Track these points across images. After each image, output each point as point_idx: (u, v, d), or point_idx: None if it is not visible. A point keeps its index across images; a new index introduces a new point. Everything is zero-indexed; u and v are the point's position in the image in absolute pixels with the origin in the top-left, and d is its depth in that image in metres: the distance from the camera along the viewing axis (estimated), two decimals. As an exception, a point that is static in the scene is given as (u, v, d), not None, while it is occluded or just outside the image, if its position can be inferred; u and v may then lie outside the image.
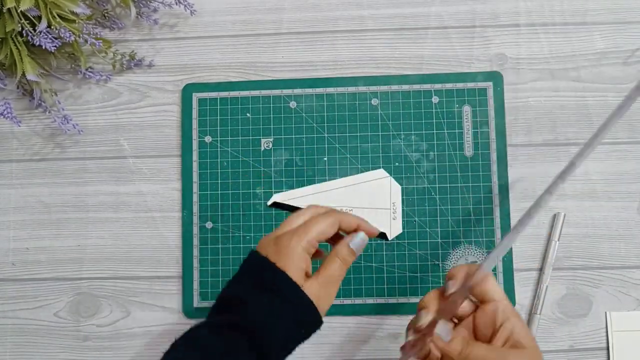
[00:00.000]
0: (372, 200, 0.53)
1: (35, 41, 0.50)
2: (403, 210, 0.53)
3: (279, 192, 0.54)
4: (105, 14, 0.56)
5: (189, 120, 0.55)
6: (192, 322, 0.53)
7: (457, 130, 0.54)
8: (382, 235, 0.53)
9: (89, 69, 0.55)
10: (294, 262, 0.37)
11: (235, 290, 0.38)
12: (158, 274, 0.54)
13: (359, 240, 0.40)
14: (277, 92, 0.55)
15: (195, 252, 0.54)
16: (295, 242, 0.37)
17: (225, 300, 0.38)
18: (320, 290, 0.38)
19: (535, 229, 0.53)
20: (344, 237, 0.40)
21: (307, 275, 0.38)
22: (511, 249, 0.53)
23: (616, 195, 0.54)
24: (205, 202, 0.54)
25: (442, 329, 0.36)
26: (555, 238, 0.52)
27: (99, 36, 0.54)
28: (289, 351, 0.37)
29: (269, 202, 0.54)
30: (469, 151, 0.54)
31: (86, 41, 0.52)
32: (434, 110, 0.54)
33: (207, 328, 0.37)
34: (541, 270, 0.52)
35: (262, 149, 0.55)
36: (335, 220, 0.39)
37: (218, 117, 0.55)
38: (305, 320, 0.37)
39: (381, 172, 0.54)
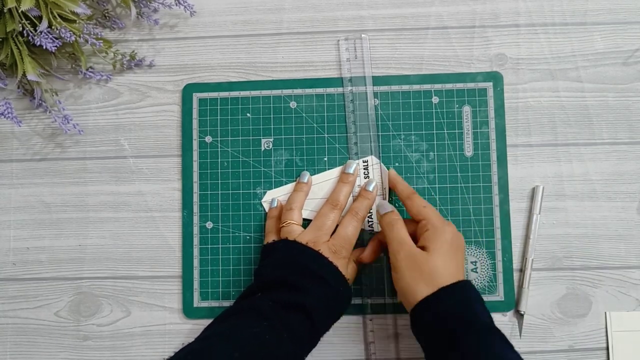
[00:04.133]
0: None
1: (35, 41, 0.50)
2: (403, 210, 0.53)
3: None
4: (106, 14, 0.56)
5: (189, 120, 0.55)
6: (192, 322, 0.53)
7: (457, 130, 0.54)
8: None
9: (90, 69, 0.56)
10: (346, 267, 0.48)
11: (296, 278, 0.45)
12: (158, 273, 0.54)
13: (369, 253, 0.51)
14: (277, 92, 0.55)
15: (195, 252, 0.54)
16: (348, 252, 0.48)
17: (279, 282, 0.45)
18: (353, 275, 0.50)
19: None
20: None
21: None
22: (511, 249, 0.53)
23: (616, 196, 0.54)
24: (205, 202, 0.54)
25: (384, 204, 0.50)
26: (536, 212, 0.52)
27: (99, 36, 0.54)
28: (330, 326, 0.47)
29: (264, 199, 0.54)
30: (469, 151, 0.54)
31: (87, 41, 0.52)
32: (434, 110, 0.55)
33: (270, 302, 0.43)
34: (525, 244, 0.53)
35: (262, 149, 0.55)
36: (360, 223, 0.50)
37: (218, 117, 0.55)
38: (344, 306, 0.48)
39: (372, 159, 0.54)
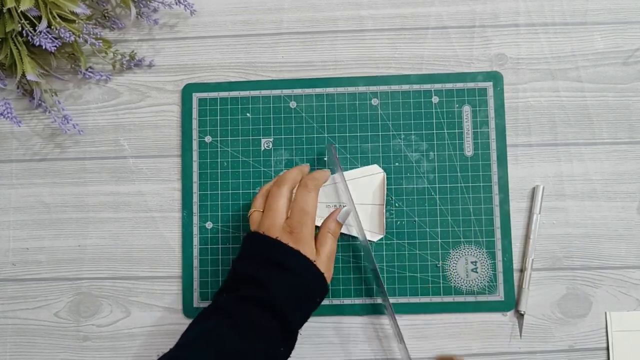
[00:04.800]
0: (365, 195, 0.53)
1: (35, 41, 0.50)
2: (403, 210, 0.53)
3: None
4: (105, 14, 0.56)
5: (189, 120, 0.55)
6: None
7: (457, 130, 0.54)
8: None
9: (89, 69, 0.55)
10: (309, 245, 0.44)
11: (254, 269, 0.43)
12: (158, 274, 0.54)
13: (344, 214, 0.48)
14: (277, 92, 0.55)
15: (195, 252, 0.54)
16: (309, 229, 0.45)
17: (244, 278, 0.43)
18: (327, 264, 0.45)
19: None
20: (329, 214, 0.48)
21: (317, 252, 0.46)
22: (511, 249, 0.53)
23: (616, 195, 0.54)
24: (205, 202, 0.54)
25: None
26: (536, 211, 0.52)
27: (99, 36, 0.54)
28: (307, 318, 0.45)
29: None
30: (469, 151, 0.54)
31: (86, 41, 0.52)
32: (434, 110, 0.54)
33: (232, 300, 0.42)
34: (525, 244, 0.53)
35: (262, 149, 0.55)
36: (316, 192, 0.47)
37: (218, 117, 0.55)
38: (318, 292, 0.45)
39: (375, 168, 0.54)
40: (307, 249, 0.44)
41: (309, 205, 0.45)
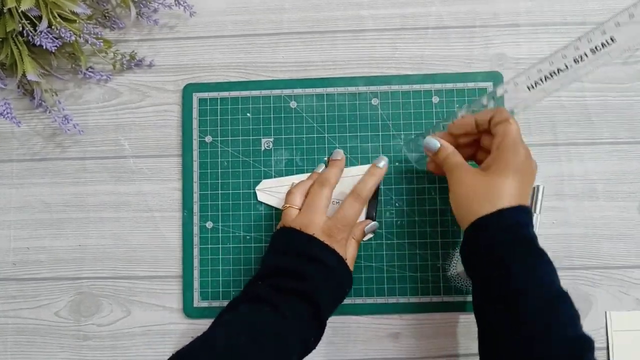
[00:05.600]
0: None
1: (35, 41, 0.50)
2: (403, 210, 0.53)
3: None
4: (106, 14, 0.56)
5: (190, 120, 0.55)
6: (193, 322, 0.53)
7: (457, 130, 0.54)
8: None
9: (90, 69, 0.56)
10: (342, 248, 0.47)
11: (294, 263, 0.45)
12: (158, 273, 0.54)
13: (371, 226, 0.51)
14: (277, 92, 0.55)
15: (195, 252, 0.54)
16: (345, 236, 0.47)
17: (284, 271, 0.45)
18: (351, 265, 0.48)
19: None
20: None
21: None
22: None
23: (616, 195, 0.53)
24: (205, 202, 0.54)
25: (429, 141, 0.47)
26: (537, 211, 0.52)
27: (99, 36, 0.54)
28: (336, 308, 0.47)
29: (258, 187, 0.54)
30: (469, 151, 0.54)
31: (86, 41, 0.52)
32: (434, 110, 0.55)
33: (271, 290, 0.44)
34: None
35: (262, 149, 0.55)
36: (363, 205, 0.49)
37: (218, 117, 0.55)
38: (347, 286, 0.48)
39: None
40: (340, 250, 0.46)
41: (354, 216, 0.47)
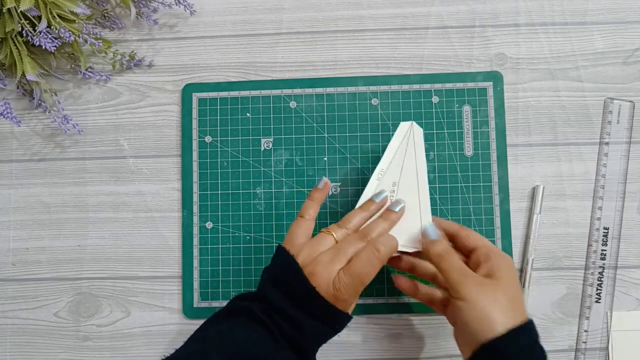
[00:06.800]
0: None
1: (35, 41, 0.50)
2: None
3: (279, 191, 0.54)
4: (105, 14, 0.56)
5: (189, 120, 0.55)
6: (192, 322, 0.53)
7: (457, 130, 0.54)
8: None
9: (89, 69, 0.55)
10: (348, 305, 0.41)
11: (291, 308, 0.40)
12: (158, 274, 0.54)
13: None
14: (277, 92, 0.55)
15: (195, 252, 0.54)
16: (356, 296, 0.42)
17: (279, 310, 0.40)
18: (354, 302, 0.43)
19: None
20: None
21: None
22: (511, 249, 0.53)
23: (617, 195, 0.53)
24: (205, 202, 0.54)
25: (431, 229, 0.43)
26: (537, 211, 0.52)
27: (98, 36, 0.54)
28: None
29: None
30: (469, 151, 0.54)
31: (86, 41, 0.52)
32: (434, 110, 0.54)
33: (265, 319, 0.40)
34: (525, 244, 0.53)
35: (262, 149, 0.55)
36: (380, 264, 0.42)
37: (218, 117, 0.55)
38: (342, 328, 0.42)
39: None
40: (346, 307, 0.41)
41: (370, 275, 0.41)
